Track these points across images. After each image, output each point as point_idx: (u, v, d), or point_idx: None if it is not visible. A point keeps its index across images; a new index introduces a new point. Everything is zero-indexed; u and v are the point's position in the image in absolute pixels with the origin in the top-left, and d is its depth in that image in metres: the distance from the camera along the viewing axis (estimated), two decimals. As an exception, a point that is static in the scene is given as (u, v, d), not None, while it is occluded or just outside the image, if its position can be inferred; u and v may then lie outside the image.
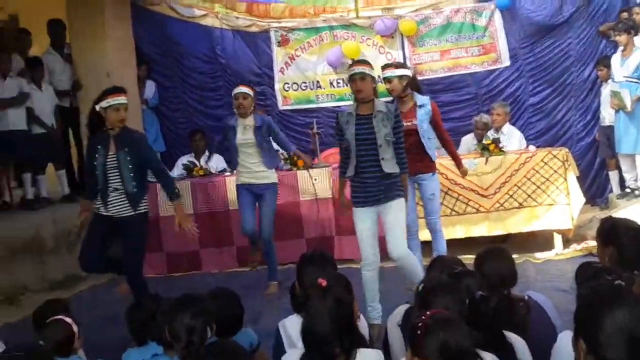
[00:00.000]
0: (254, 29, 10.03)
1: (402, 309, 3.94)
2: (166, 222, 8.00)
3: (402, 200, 5.41)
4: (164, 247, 8.06)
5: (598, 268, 3.55)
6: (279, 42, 9.97)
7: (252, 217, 6.97)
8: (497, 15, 9.47)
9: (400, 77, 6.26)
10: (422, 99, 6.40)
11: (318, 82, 9.91)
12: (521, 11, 9.41)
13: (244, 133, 6.84)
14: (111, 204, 5.67)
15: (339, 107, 9.74)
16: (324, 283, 3.20)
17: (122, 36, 9.59)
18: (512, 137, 8.49)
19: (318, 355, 3.04)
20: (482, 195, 7.68)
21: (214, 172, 8.56)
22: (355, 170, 5.38)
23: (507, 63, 9.52)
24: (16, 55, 9.14)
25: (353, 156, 5.36)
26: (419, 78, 9.54)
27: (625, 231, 3.81)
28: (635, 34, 8.24)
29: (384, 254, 5.48)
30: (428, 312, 2.82)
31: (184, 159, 9.01)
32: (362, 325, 3.75)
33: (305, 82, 9.97)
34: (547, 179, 7.62)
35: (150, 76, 10.11)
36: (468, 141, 8.81)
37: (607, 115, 8.71)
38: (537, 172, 7.63)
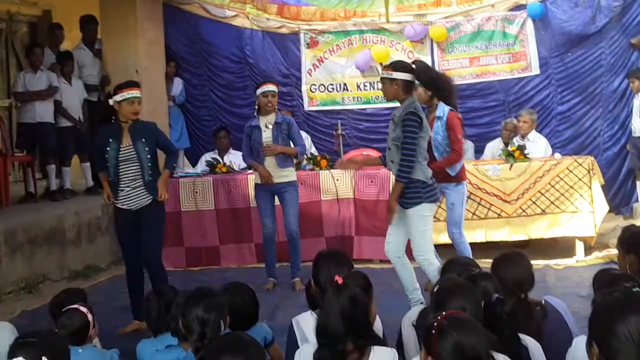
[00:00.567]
0: (283, 30, 10.04)
1: (417, 309, 3.93)
2: (187, 217, 8.07)
3: (413, 211, 5.37)
4: (184, 242, 8.10)
5: (616, 275, 3.51)
6: (307, 44, 9.97)
7: (272, 219, 6.99)
8: (529, 24, 9.38)
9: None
10: (441, 110, 6.34)
11: (345, 84, 9.89)
12: (554, 20, 9.31)
13: (266, 131, 6.88)
14: (129, 195, 5.73)
15: (364, 109, 9.75)
16: (340, 280, 3.20)
17: (152, 34, 9.67)
18: (537, 144, 8.44)
19: (330, 352, 3.03)
20: (505, 201, 7.64)
21: (236, 169, 8.58)
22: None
23: (537, 71, 9.43)
24: (48, 49, 9.26)
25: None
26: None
27: (646, 239, 3.77)
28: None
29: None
30: (444, 313, 2.80)
31: (208, 156, 9.04)
32: (377, 327, 3.73)
33: (332, 84, 9.96)
34: (572, 187, 7.57)
35: (178, 74, 10.18)
36: (494, 146, 8.75)
37: (638, 126, 8.64)
38: (562, 179, 7.58)
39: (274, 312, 5.93)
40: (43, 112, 8.67)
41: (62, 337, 3.28)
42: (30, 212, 7.93)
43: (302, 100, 10.00)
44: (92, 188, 9.19)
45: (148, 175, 5.73)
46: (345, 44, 9.88)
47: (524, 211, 7.64)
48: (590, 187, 7.55)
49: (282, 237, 7.48)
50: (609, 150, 9.24)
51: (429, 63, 9.55)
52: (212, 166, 8.40)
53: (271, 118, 6.92)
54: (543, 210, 7.62)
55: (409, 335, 3.79)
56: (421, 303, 5.15)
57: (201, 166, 8.90)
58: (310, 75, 9.96)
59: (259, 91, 7.00)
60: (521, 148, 7.81)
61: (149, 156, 5.73)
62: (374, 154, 7.67)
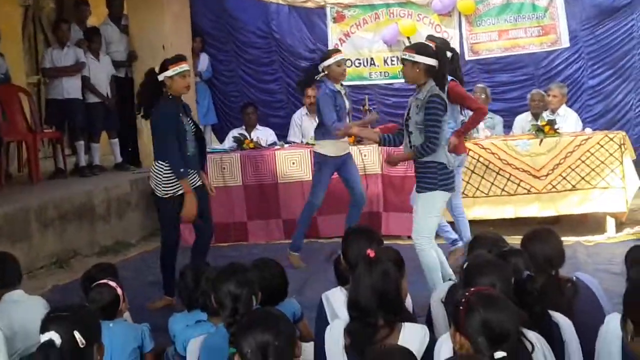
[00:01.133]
0: (309, 4, 9.97)
1: (446, 285, 3.92)
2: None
3: (426, 195, 5.27)
4: (212, 218, 8.10)
5: (649, 251, 3.47)
6: (334, 18, 9.91)
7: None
8: (559, -4, 9.26)
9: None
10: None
11: (372, 59, 9.82)
12: (584, -8, 9.19)
13: (346, 100, 6.85)
14: (193, 172, 5.76)
15: (391, 84, 9.69)
16: (372, 254, 3.19)
17: (178, 9, 9.66)
18: (568, 119, 8.32)
19: (361, 325, 3.03)
20: (535, 177, 7.56)
21: (263, 145, 8.57)
22: None
23: (567, 44, 9.30)
24: (74, 25, 9.29)
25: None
26: (474, 58, 9.54)
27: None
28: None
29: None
30: (472, 289, 2.78)
31: (235, 132, 9.04)
32: (408, 304, 3.72)
33: (359, 59, 9.90)
34: (603, 162, 7.46)
35: (204, 49, 10.17)
36: (522, 120, 8.62)
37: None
38: (593, 154, 7.47)
39: (302, 288, 5.92)
40: (71, 88, 8.71)
41: (94, 312, 3.31)
42: (61, 188, 8.00)
43: (329, 75, 9.93)
44: (120, 164, 9.26)
45: (196, 150, 5.81)
46: (372, 18, 9.80)
47: (554, 187, 7.55)
48: (621, 163, 7.44)
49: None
50: (640, 124, 9.13)
51: (457, 37, 9.48)
52: (239, 142, 8.39)
53: (342, 88, 6.87)
54: (573, 186, 7.53)
55: (438, 312, 3.79)
56: (450, 280, 5.13)
57: (229, 142, 8.90)
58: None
59: (330, 61, 6.72)
60: (551, 123, 7.70)
61: (194, 132, 5.79)
62: None
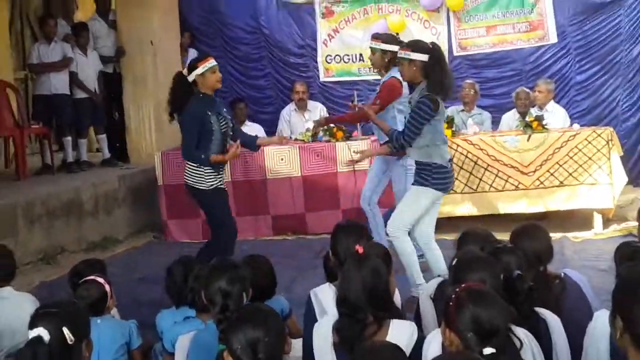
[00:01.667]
0: (298, 0, 9.96)
1: (434, 281, 3.92)
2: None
3: (415, 188, 5.31)
4: (201, 213, 8.07)
5: (638, 248, 3.48)
6: (323, 14, 9.90)
7: None
8: (547, -8, 9.27)
9: (384, 51, 6.07)
10: (387, 76, 6.23)
11: (361, 55, 9.79)
12: (572, -12, 9.21)
13: None
14: (222, 172, 5.82)
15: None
16: (360, 250, 3.19)
17: (167, 5, 9.61)
18: (556, 115, 8.35)
19: (350, 322, 3.03)
20: (522, 173, 7.59)
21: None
22: None
23: (555, 40, 9.32)
24: (61, 20, 9.25)
25: None
26: (462, 53, 9.55)
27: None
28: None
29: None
30: (463, 285, 2.79)
31: (224, 128, 9.01)
32: (396, 300, 3.72)
33: (348, 55, 9.90)
34: (590, 158, 7.50)
35: (193, 45, 10.14)
36: (509, 117, 8.65)
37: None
38: (580, 150, 7.50)
39: (291, 285, 5.92)
40: (58, 83, 8.67)
41: (83, 308, 3.29)
42: (48, 184, 7.96)
43: (318, 71, 9.95)
44: (108, 160, 9.22)
45: (223, 149, 5.79)
46: (360, 14, 9.80)
47: (541, 183, 7.58)
48: (609, 159, 7.48)
49: (297, 209, 7.52)
50: (628, 120, 9.14)
51: (446, 33, 9.49)
52: (227, 138, 8.37)
53: None
54: (561, 182, 7.57)
55: (427, 309, 3.79)
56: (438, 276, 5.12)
57: (216, 138, 8.87)
58: (326, 46, 9.90)
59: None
60: (539, 119, 7.73)
61: (224, 128, 5.80)
62: None
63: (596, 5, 9.13)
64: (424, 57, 5.19)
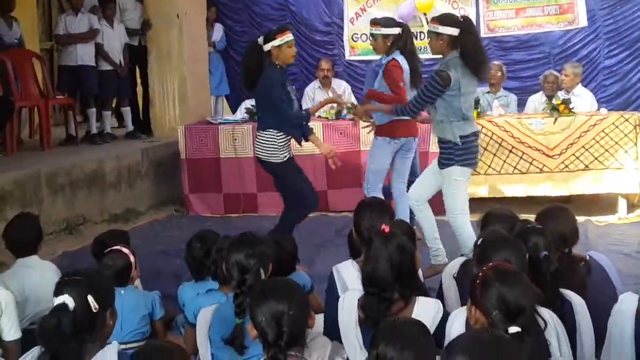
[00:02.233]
0: (327, -23, 9.92)
1: (458, 261, 3.91)
2: (226, 164, 8.08)
3: (444, 172, 5.29)
4: (223, 188, 8.12)
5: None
6: (350, -8, 9.86)
7: None
8: (578, -25, 9.16)
9: (386, 35, 6.10)
10: (388, 59, 6.16)
11: (387, 34, 9.73)
12: (602, -29, 9.09)
13: None
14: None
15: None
16: (387, 229, 3.18)
17: (193, -22, 9.58)
18: (583, 99, 8.26)
19: (377, 299, 3.03)
20: (548, 155, 7.52)
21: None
22: None
23: (584, 24, 9.23)
24: (89, -8, 9.25)
25: None
26: (490, 35, 9.47)
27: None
28: None
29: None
30: (490, 264, 2.77)
31: (248, 103, 8.99)
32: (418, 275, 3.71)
33: (374, 34, 9.83)
34: (617, 143, 7.42)
35: (219, 19, 10.12)
36: (535, 100, 8.57)
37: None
38: (607, 134, 7.42)
39: (312, 260, 5.93)
40: (84, 54, 8.68)
41: (107, 277, 3.30)
42: (72, 155, 8.00)
43: (344, 49, 9.94)
44: (132, 132, 9.25)
45: None
46: (389, -7, 9.73)
47: (566, 166, 7.51)
48: (635, 144, 7.39)
49: (319, 186, 7.50)
50: (656, 106, 9.05)
51: (474, 14, 9.40)
52: (251, 113, 8.34)
53: None
54: (586, 166, 7.50)
55: (450, 287, 3.79)
56: (462, 255, 5.11)
57: (241, 113, 8.87)
58: (353, 25, 9.86)
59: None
60: (566, 102, 7.64)
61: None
62: None
63: (628, -10, 9.01)
64: (453, 31, 5.14)
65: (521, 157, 7.54)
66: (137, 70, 9.69)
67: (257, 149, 5.85)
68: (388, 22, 6.35)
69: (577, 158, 7.48)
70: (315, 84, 9.28)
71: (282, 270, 3.83)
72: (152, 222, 7.74)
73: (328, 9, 9.95)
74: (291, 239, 4.18)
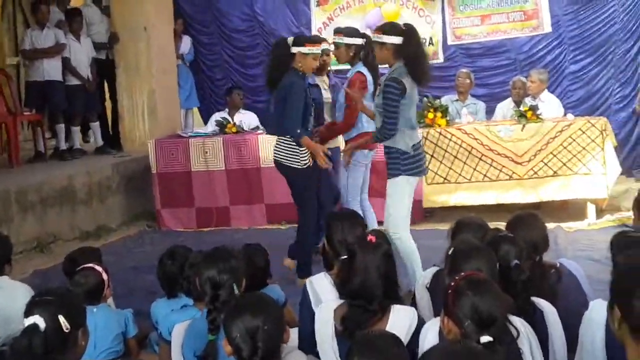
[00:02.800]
0: (294, -13, 9.94)
1: (430, 271, 3.91)
2: (197, 177, 8.06)
3: (391, 181, 5.26)
4: (195, 202, 8.10)
5: (634, 237, 3.47)
6: (318, 2, 9.88)
7: None
8: (542, -19, 9.26)
9: (348, 45, 6.17)
10: (352, 72, 6.26)
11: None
12: (566, -23, 9.19)
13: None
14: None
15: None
16: (373, 239, 3.20)
17: (160, -10, 9.55)
18: (550, 105, 8.34)
19: (361, 311, 3.05)
20: (517, 162, 7.59)
21: (246, 129, 8.53)
22: None
23: (549, 30, 9.31)
24: (54, 7, 9.18)
25: None
26: (457, 43, 9.54)
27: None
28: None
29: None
30: (462, 274, 2.79)
31: (218, 116, 8.99)
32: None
33: (341, 43, 9.86)
34: (584, 148, 7.50)
35: (186, 31, 10.09)
36: (504, 107, 8.65)
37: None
38: (574, 140, 7.50)
39: (284, 275, 5.91)
40: (51, 70, 8.62)
41: (78, 296, 3.27)
42: (41, 171, 7.94)
43: (312, 59, 9.91)
44: (101, 148, 9.18)
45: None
46: (355, 2, 9.78)
47: (535, 173, 7.58)
48: (603, 149, 7.48)
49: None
50: (621, 111, 9.14)
51: (440, 22, 9.48)
52: (221, 126, 8.35)
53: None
54: (555, 172, 7.57)
55: (423, 297, 3.79)
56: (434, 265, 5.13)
57: (211, 126, 8.85)
58: (320, 34, 9.85)
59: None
60: (533, 108, 7.72)
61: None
62: None
63: (590, -5, 9.12)
64: (396, 40, 5.15)
65: (491, 165, 7.61)
66: (105, 84, 9.62)
67: (277, 153, 5.84)
68: (351, 32, 6.40)
69: (546, 164, 7.56)
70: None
71: (255, 284, 3.83)
72: (124, 238, 7.70)
73: (296, 19, 9.96)
74: (263, 253, 4.16)
